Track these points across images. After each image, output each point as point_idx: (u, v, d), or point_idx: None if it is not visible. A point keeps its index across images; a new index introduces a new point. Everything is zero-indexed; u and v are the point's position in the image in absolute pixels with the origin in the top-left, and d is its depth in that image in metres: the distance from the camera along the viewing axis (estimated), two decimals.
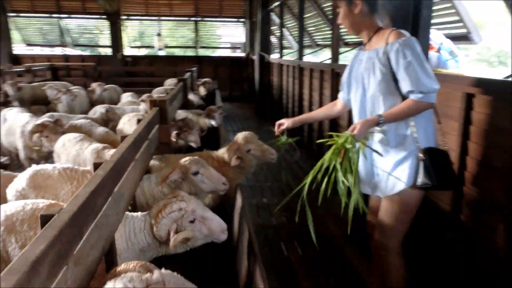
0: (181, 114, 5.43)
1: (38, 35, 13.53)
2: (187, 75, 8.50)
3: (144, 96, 6.41)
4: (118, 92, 8.83)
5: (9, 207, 2.00)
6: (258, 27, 9.60)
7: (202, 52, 14.06)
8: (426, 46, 2.82)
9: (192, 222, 1.94)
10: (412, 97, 1.95)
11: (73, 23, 13.40)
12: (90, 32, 13.79)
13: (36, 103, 7.61)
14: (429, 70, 1.95)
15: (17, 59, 12.86)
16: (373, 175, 2.24)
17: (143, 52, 13.92)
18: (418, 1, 2.73)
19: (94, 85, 8.28)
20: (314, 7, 7.00)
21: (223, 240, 1.99)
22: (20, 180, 2.57)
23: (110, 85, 8.86)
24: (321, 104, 5.47)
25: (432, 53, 3.35)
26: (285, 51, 9.93)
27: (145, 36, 14.22)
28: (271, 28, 10.08)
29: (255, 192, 4.81)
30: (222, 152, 3.28)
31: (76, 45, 13.71)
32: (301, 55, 6.78)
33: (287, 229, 3.81)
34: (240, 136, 3.27)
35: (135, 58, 13.47)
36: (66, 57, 13.25)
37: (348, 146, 1.94)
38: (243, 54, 13.60)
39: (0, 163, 4.82)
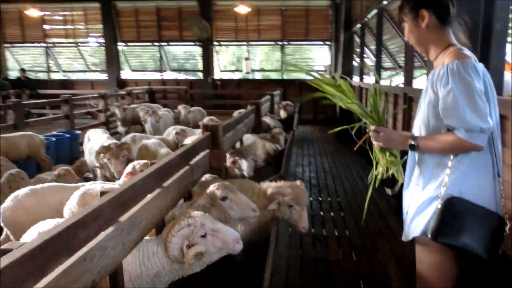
0: (249, 137, 5.44)
1: (141, 62, 15.01)
2: (265, 98, 8.62)
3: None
4: (203, 113, 9.26)
5: (44, 225, 2.13)
6: (340, 50, 9.36)
7: (288, 75, 14.20)
8: (500, 66, 2.39)
9: (203, 236, 1.90)
10: (456, 132, 1.63)
11: (171, 50, 14.61)
12: (185, 58, 14.86)
13: (135, 123, 8.43)
14: (480, 104, 1.59)
15: (123, 84, 14.40)
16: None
17: (232, 75, 14.52)
18: (490, 12, 2.34)
19: (180, 107, 8.84)
20: (393, 27, 6.57)
21: (238, 251, 1.93)
22: (73, 199, 2.75)
23: (195, 107, 9.34)
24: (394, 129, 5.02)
25: (509, 74, 2.84)
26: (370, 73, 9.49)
27: (234, 60, 14.86)
28: (356, 50, 9.75)
29: (316, 221, 4.55)
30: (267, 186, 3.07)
31: (173, 70, 14.87)
32: (378, 78, 6.36)
33: (339, 266, 3.49)
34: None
35: (224, 82, 14.12)
36: (163, 81, 14.46)
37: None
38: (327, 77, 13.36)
39: (84, 178, 5.32)
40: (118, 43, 14.29)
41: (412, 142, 1.74)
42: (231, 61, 15.14)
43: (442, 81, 1.66)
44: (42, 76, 15.40)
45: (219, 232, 1.92)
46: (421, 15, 1.79)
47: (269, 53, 14.51)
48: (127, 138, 5.78)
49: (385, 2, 5.99)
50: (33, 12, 13.65)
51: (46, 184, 2.89)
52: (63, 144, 6.84)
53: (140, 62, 15.02)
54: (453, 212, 1.65)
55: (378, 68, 6.40)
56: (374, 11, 6.57)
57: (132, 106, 9.22)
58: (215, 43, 13.87)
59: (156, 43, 14.29)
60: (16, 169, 4.40)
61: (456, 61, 1.66)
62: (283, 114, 9.84)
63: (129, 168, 3.39)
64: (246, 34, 13.71)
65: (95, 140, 4.95)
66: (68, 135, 7.16)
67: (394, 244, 3.84)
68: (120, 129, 9.05)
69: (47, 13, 14.53)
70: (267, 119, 7.70)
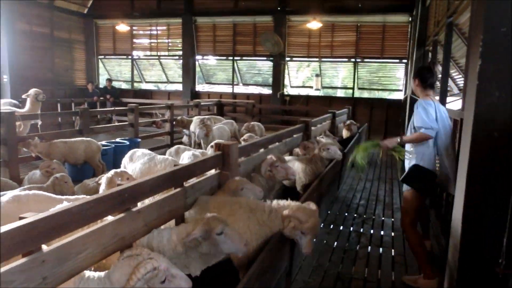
0: (288, 159, 5.18)
1: (215, 75, 15.53)
2: (324, 116, 8.26)
3: None
4: (261, 129, 9.20)
5: None
6: (411, 68, 8.63)
7: (359, 94, 13.56)
8: None
9: (163, 282, 1.80)
10: (420, 130, 3.36)
11: (243, 64, 14.89)
12: (257, 72, 15.02)
13: None
14: (430, 117, 3.34)
15: (197, 95, 15.02)
16: None
17: (302, 91, 14.29)
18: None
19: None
20: (464, 43, 5.83)
21: None
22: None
23: (254, 123, 9.31)
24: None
25: None
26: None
27: (304, 76, 14.62)
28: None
29: (347, 258, 4.12)
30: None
31: (245, 84, 15.12)
32: (442, 99, 5.66)
33: None
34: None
35: (293, 97, 13.95)
36: (234, 95, 14.76)
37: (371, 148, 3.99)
38: (401, 97, 12.45)
39: None
40: (196, 57, 14.98)
41: (399, 139, 3.57)
42: (306, 76, 14.92)
43: (416, 108, 3.44)
44: (126, 85, 16.79)
45: (175, 278, 1.82)
46: (415, 79, 3.63)
47: (340, 70, 14.00)
48: (171, 150, 5.89)
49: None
50: (122, 27, 15.00)
51: (31, 192, 2.92)
52: (122, 151, 7.21)
53: (214, 75, 15.54)
54: (415, 171, 3.43)
55: (444, 89, 5.70)
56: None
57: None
58: (287, 58, 13.81)
59: (230, 57, 14.68)
60: (61, 173, 4.68)
61: (419, 100, 3.50)
62: (345, 133, 9.35)
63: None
64: (318, 50, 13.43)
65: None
66: (128, 143, 7.56)
67: None
68: (185, 139, 9.37)
69: (135, 28, 15.85)
70: (323, 139, 7.36)
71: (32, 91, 7.82)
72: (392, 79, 13.19)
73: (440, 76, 5.80)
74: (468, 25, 4.51)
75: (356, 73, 13.18)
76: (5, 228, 1.42)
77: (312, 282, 3.56)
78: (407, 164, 3.59)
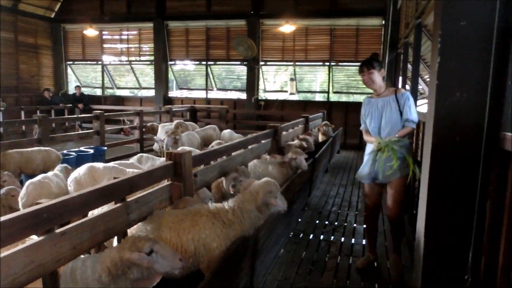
0: (256, 163, 4.97)
1: (189, 80, 15.23)
2: (296, 121, 8.09)
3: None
4: (217, 132, 9.03)
5: None
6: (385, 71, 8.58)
7: (335, 97, 13.51)
8: None
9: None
10: (411, 125, 3.43)
11: (217, 69, 14.64)
12: (231, 77, 14.80)
13: None
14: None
15: (170, 101, 14.67)
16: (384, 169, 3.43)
17: (277, 96, 14.14)
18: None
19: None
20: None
21: None
22: None
23: (210, 126, 9.16)
24: None
25: None
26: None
27: (279, 81, 14.49)
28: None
29: (315, 270, 3.91)
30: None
31: (219, 89, 14.86)
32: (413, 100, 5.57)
33: None
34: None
35: (268, 102, 13.78)
36: (208, 100, 14.48)
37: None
38: None
39: None
40: (169, 62, 14.65)
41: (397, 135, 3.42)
42: (282, 81, 14.78)
43: (408, 100, 3.43)
44: (98, 92, 16.25)
45: None
46: (382, 71, 3.52)
47: (316, 74, 13.93)
48: (134, 159, 5.58)
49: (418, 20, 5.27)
50: (91, 31, 14.51)
51: None
52: (85, 160, 6.83)
53: (187, 81, 15.24)
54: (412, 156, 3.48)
55: (414, 91, 5.61)
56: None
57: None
58: (261, 62, 13.65)
59: (203, 62, 14.42)
60: (7, 187, 4.33)
61: (406, 92, 3.52)
62: (321, 137, 9.21)
63: None
64: (293, 54, 13.33)
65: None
66: (92, 151, 7.19)
67: None
68: (156, 146, 9.05)
69: (105, 32, 15.39)
70: (294, 142, 7.21)
71: None
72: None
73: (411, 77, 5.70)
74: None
75: (331, 77, 13.12)
76: None
77: None
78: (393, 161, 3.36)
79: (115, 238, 2.49)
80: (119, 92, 16.05)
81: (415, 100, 5.69)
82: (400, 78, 7.65)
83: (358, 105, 12.98)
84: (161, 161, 5.03)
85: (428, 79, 7.78)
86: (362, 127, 3.77)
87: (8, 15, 13.55)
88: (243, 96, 14.15)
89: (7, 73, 13.56)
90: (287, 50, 13.40)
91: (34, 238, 1.89)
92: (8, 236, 1.64)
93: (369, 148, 3.67)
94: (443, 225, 1.88)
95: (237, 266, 2.54)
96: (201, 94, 14.85)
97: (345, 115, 12.76)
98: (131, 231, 2.52)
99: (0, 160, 5.60)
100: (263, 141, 5.43)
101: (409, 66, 7.36)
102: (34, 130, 8.91)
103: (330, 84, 13.18)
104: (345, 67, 13.08)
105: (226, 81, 14.84)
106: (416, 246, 2.11)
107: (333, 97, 13.43)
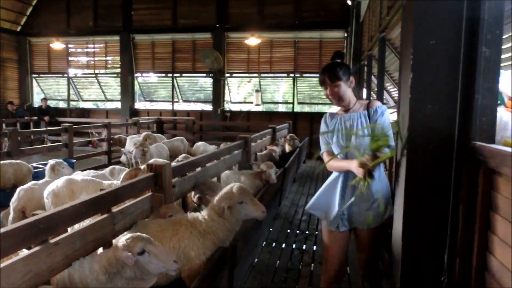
0: (228, 174, 5.00)
1: (154, 92, 15.07)
2: (264, 132, 8.21)
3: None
4: (185, 144, 9.03)
5: None
6: None
7: (299, 108, 13.81)
8: (491, 104, 1.89)
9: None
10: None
11: (183, 81, 14.59)
12: (197, 89, 14.80)
13: None
14: None
15: (136, 113, 14.44)
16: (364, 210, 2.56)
17: (243, 107, 14.26)
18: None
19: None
20: (397, 57, 6.10)
21: None
22: None
23: (178, 138, 9.18)
24: (389, 173, 4.47)
25: (508, 115, 2.25)
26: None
27: (244, 92, 14.65)
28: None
29: (290, 278, 3.97)
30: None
31: (185, 101, 14.79)
32: None
33: None
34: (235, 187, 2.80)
35: (233, 113, 13.87)
36: (174, 112, 14.37)
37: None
38: None
39: None
40: (135, 74, 14.46)
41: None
42: (246, 92, 14.94)
43: (382, 117, 2.54)
44: (63, 104, 15.85)
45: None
46: (351, 80, 2.61)
47: (280, 85, 14.20)
48: (106, 171, 5.46)
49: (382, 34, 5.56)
50: (57, 45, 14.35)
51: None
52: None
53: (153, 93, 15.08)
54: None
55: (380, 101, 5.87)
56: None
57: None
58: (227, 74, 13.75)
59: (169, 74, 14.33)
60: None
61: (382, 106, 2.64)
62: (287, 147, 9.39)
63: None
64: (258, 66, 13.54)
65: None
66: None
67: None
68: (123, 158, 8.86)
69: (71, 45, 15.12)
70: (261, 153, 7.32)
71: None
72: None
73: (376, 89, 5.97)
74: (399, 39, 4.69)
75: (295, 88, 13.42)
76: None
77: None
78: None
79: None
80: (84, 105, 15.68)
81: None
82: (364, 90, 7.96)
83: (321, 115, 13.31)
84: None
85: (392, 90, 8.18)
86: (323, 150, 2.76)
87: None
88: (208, 107, 14.17)
89: None
90: (252, 62, 13.60)
91: (26, 250, 1.91)
92: (9, 247, 1.68)
93: (336, 177, 2.65)
94: (419, 229, 2.01)
95: (219, 274, 2.58)
96: (167, 106, 14.73)
97: (310, 125, 13.05)
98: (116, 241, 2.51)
99: None
100: (235, 152, 5.48)
101: (373, 77, 7.71)
102: (3, 143, 8.52)
103: (295, 95, 13.47)
104: (309, 78, 13.42)
105: (191, 92, 14.81)
106: (394, 250, 2.22)
107: (297, 108, 13.72)
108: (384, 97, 6.87)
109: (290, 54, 13.30)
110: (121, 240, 2.05)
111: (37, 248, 1.85)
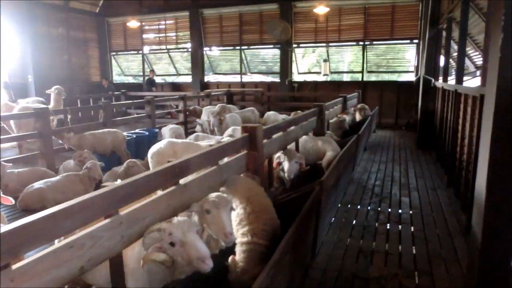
0: (306, 139, 5.33)
1: (223, 65, 15.63)
2: (335, 100, 8.34)
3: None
4: (256, 114, 9.45)
5: None
6: (424, 48, 8.62)
7: (369, 77, 13.57)
8: None
9: (172, 245, 1.87)
10: None
11: (251, 53, 14.94)
12: (265, 60, 15.08)
13: None
14: None
15: (206, 86, 15.14)
16: None
17: (308, 78, 14.33)
18: None
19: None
20: (482, 19, 5.84)
21: (205, 270, 1.83)
22: None
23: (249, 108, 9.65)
24: (469, 137, 4.47)
25: None
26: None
27: (311, 62, 14.65)
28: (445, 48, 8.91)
29: (367, 234, 4.26)
30: None
31: (253, 73, 15.19)
32: (459, 79, 5.70)
33: (379, 287, 3.21)
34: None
35: (301, 84, 14.00)
36: (242, 84, 14.85)
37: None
38: (413, 79, 12.45)
39: None
40: (204, 48, 15.09)
41: None
42: (311, 63, 14.96)
43: None
44: (136, 80, 17.11)
45: (186, 245, 1.85)
46: None
47: (345, 55, 13.99)
48: (191, 138, 6.06)
49: None
50: (133, 23, 15.37)
51: None
52: (142, 141, 7.42)
53: (222, 66, 15.64)
54: None
55: (461, 68, 5.73)
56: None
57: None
58: (294, 45, 13.83)
59: (237, 47, 14.74)
60: (91, 161, 4.96)
61: None
62: (358, 117, 9.45)
63: None
64: (326, 35, 13.43)
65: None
66: (147, 133, 7.75)
67: (454, 270, 3.41)
68: (198, 128, 9.54)
69: (144, 23, 16.12)
70: (335, 120, 7.51)
71: (54, 88, 8.22)
72: (402, 60, 13.15)
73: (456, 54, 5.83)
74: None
75: (365, 56, 13.17)
76: (86, 196, 1.67)
77: (335, 255, 3.71)
78: None
79: None
80: (157, 79, 16.72)
81: (461, 76, 5.80)
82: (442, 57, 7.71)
83: (392, 84, 13.16)
84: (216, 138, 5.46)
85: (473, 54, 7.80)
86: None
87: (61, 13, 14.82)
88: (276, 79, 14.43)
89: (62, 66, 15.02)
90: (319, 32, 13.50)
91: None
92: (161, 183, 2.25)
93: None
94: (504, 186, 2.17)
95: (305, 225, 2.94)
96: (236, 78, 15.23)
97: (380, 95, 12.83)
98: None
99: (77, 141, 6.27)
100: (310, 119, 5.76)
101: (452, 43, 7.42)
102: (99, 114, 9.62)
103: (364, 63, 13.23)
104: (378, 46, 13.05)
105: (259, 64, 15.14)
106: (477, 197, 2.40)
107: (366, 77, 13.48)
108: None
109: (359, 22, 12.98)
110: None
111: (172, 187, 2.32)
